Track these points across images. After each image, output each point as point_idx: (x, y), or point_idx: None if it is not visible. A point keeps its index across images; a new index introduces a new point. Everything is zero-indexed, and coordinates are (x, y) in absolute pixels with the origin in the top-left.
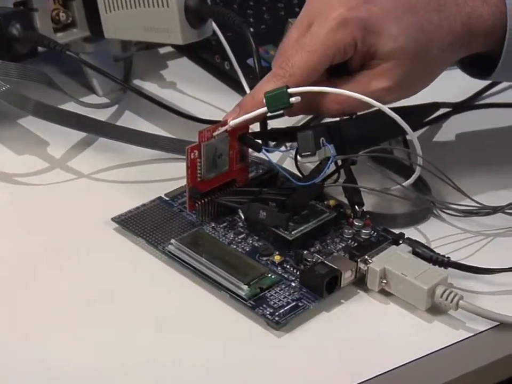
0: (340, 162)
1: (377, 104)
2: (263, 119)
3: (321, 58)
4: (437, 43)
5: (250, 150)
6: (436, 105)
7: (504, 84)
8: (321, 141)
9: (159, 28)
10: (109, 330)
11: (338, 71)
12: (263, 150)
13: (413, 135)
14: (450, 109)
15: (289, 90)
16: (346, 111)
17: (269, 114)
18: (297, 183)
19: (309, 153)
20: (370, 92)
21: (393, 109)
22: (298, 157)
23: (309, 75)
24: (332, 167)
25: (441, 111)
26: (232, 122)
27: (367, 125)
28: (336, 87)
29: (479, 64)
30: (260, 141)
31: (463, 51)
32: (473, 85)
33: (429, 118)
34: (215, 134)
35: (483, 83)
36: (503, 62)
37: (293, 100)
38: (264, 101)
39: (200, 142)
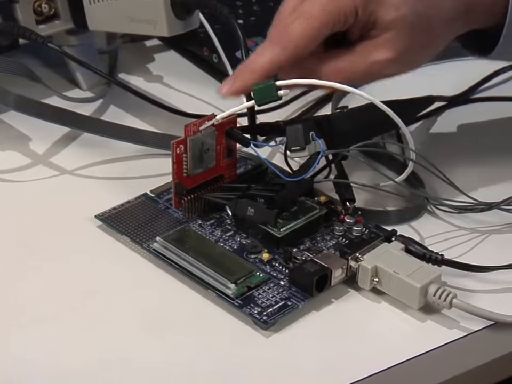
0: (330, 157)
1: (369, 98)
2: (251, 113)
3: (321, 25)
4: (438, 15)
5: (238, 144)
6: (430, 99)
7: (499, 77)
8: (311, 135)
9: (144, 19)
10: (92, 330)
11: (335, 42)
12: (251, 145)
13: (406, 129)
14: (445, 103)
15: (277, 83)
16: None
17: (257, 108)
18: (287, 179)
19: (298, 147)
20: (371, 63)
21: (386, 102)
22: (287, 151)
23: (307, 43)
24: (323, 162)
25: (436, 104)
26: (219, 116)
27: (358, 119)
28: (333, 59)
29: (481, 41)
30: (248, 136)
31: (464, 25)
32: (468, 78)
33: (423, 112)
34: (201, 128)
35: (478, 76)
36: (505, 36)
37: (281, 92)
38: (252, 94)
39: (186, 137)
